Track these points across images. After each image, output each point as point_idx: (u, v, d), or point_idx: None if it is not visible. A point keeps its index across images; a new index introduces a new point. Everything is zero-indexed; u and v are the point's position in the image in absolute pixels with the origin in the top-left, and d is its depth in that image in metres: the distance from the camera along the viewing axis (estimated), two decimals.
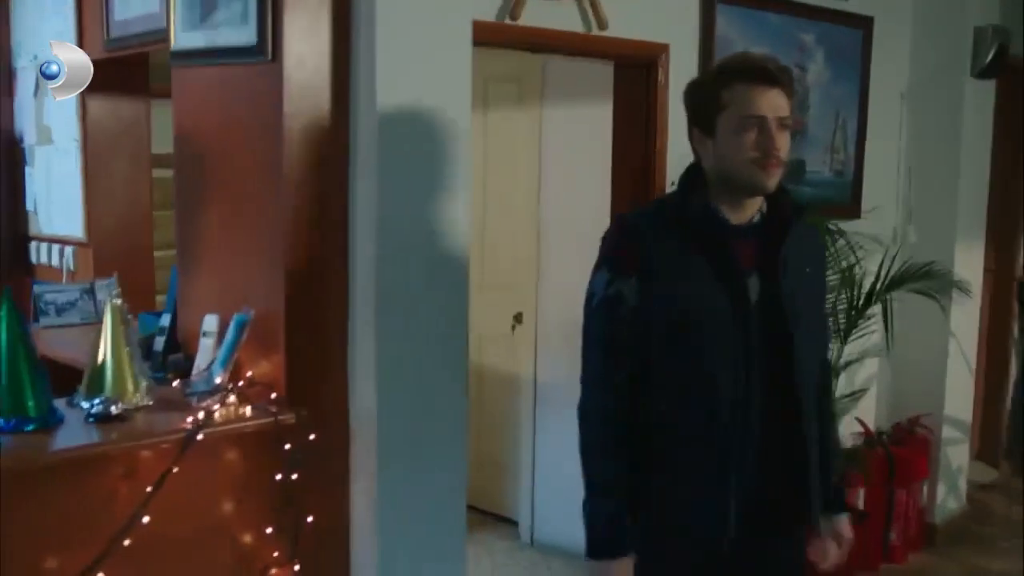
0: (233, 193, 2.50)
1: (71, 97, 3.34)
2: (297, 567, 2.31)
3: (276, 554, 2.32)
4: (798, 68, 3.79)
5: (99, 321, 2.97)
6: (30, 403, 2.12)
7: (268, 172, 2.37)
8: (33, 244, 3.70)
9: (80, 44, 3.27)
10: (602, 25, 3.07)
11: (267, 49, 2.30)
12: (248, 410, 2.29)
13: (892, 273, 3.66)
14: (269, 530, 2.30)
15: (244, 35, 2.34)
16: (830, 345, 2.08)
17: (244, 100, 2.44)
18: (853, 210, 4.11)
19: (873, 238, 3.98)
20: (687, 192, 1.85)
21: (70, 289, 3.25)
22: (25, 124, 3.66)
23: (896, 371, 4.44)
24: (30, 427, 2.11)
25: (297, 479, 2.30)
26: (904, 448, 4.22)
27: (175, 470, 2.12)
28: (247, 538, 2.29)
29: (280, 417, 2.27)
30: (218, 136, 2.54)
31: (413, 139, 2.41)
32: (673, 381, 1.80)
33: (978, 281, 4.42)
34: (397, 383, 2.43)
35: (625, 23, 3.16)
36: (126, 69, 3.34)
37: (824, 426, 1.98)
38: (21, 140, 3.69)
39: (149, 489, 2.09)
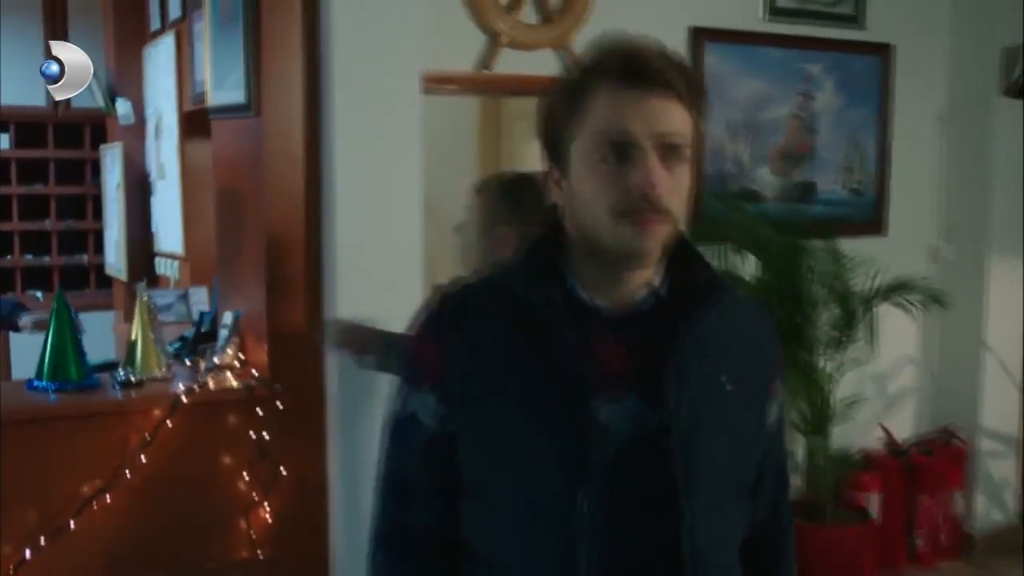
0: (240, 215, 3.21)
1: (175, 139, 4.20)
2: (268, 509, 2.97)
3: (256, 497, 2.98)
4: (803, 96, 4.09)
5: (189, 321, 3.81)
6: (72, 370, 2.89)
7: (257, 199, 3.06)
8: (157, 259, 4.60)
9: (180, 99, 4.12)
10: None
11: (253, 106, 2.99)
12: (234, 383, 2.98)
13: (876, 287, 3.88)
14: (247, 477, 2.96)
15: (240, 96, 3.04)
16: (786, 491, 1.39)
17: (245, 143, 3.14)
18: (874, 227, 4.33)
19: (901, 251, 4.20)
20: (535, 263, 1.22)
21: (169, 294, 4.08)
22: (151, 163, 4.58)
23: (934, 383, 4.58)
24: (71, 388, 2.88)
25: (270, 439, 2.95)
26: (932, 458, 4.36)
27: (168, 424, 2.83)
28: (231, 484, 2.96)
29: (256, 389, 2.94)
30: (234, 172, 3.26)
31: (369, 167, 3.00)
32: (483, 568, 1.22)
33: (1018, 295, 4.48)
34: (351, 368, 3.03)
35: None
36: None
37: None
38: (149, 175, 4.61)
39: (147, 435, 2.81)
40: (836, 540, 3.98)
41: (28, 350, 3.36)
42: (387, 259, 3.01)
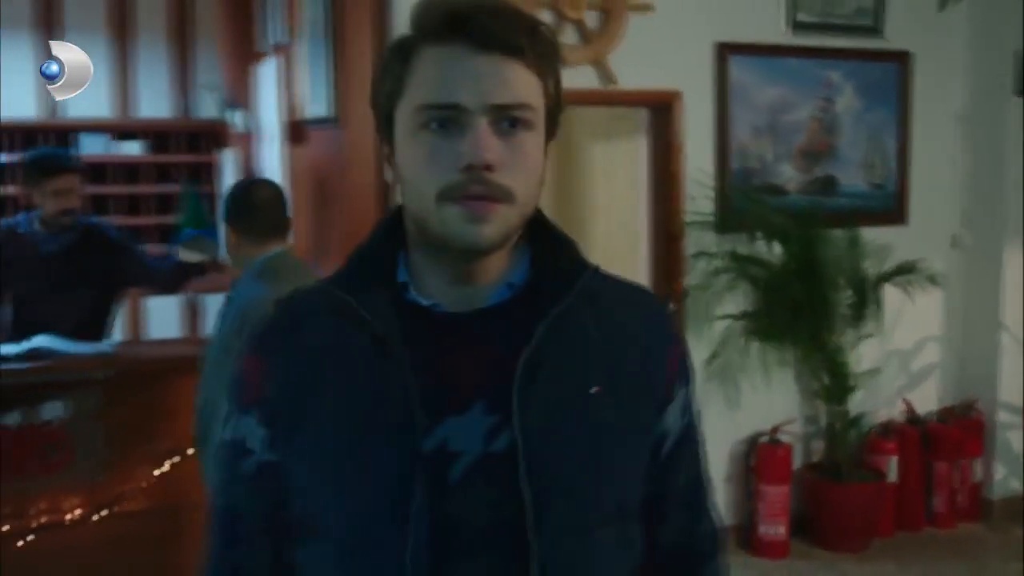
0: (328, 211, 3.91)
1: (279, 146, 4.94)
2: None
3: None
4: (824, 100, 4.58)
5: None
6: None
7: (341, 198, 3.75)
8: None
9: (282, 111, 4.87)
10: (612, 80, 4.14)
11: (336, 119, 3.68)
12: None
13: (883, 271, 4.35)
14: None
15: (326, 110, 3.74)
16: (703, 511, 1.19)
17: (331, 150, 3.84)
18: (896, 217, 4.78)
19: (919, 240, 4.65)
20: (363, 259, 1.08)
21: None
22: (259, 165, 5.36)
23: (957, 359, 4.99)
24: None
25: None
26: (949, 427, 4.78)
27: None
28: None
29: None
30: (323, 174, 3.96)
31: None
32: None
33: None
34: None
35: (644, 73, 4.19)
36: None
37: None
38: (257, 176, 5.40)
39: None
40: (852, 496, 4.47)
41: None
42: None
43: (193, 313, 6.44)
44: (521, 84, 0.99)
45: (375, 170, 3.64)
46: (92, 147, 6.55)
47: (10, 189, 6.28)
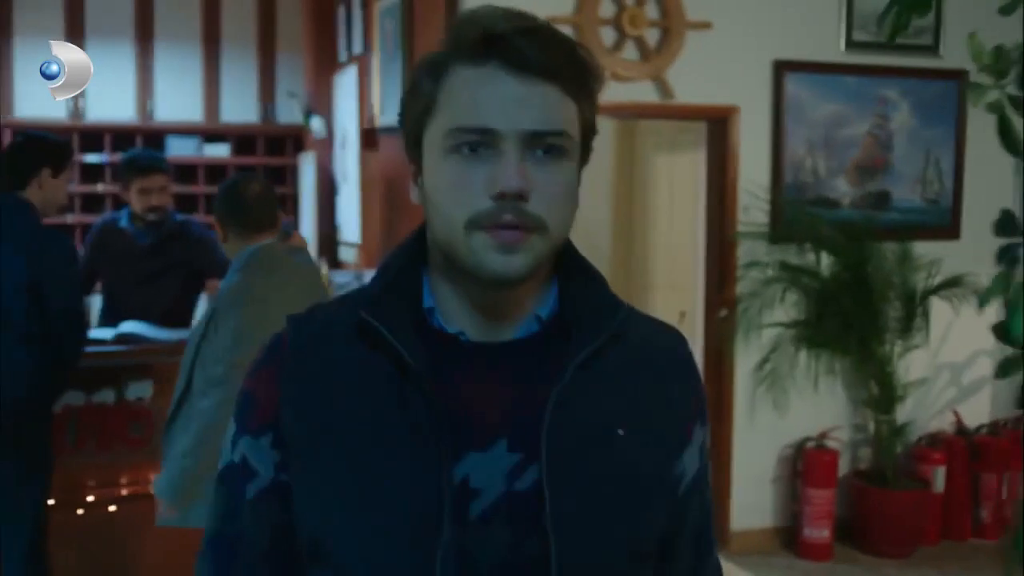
0: (399, 213, 4.17)
1: (355, 150, 5.23)
2: None
3: None
4: (879, 117, 4.69)
5: None
6: None
7: (410, 201, 4.00)
8: (340, 247, 5.67)
9: (359, 118, 5.16)
10: (669, 95, 4.32)
11: None
12: None
13: (931, 284, 4.46)
14: None
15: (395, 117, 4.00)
16: (709, 556, 1.16)
17: (403, 156, 4.09)
18: (950, 232, 4.86)
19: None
20: (387, 277, 1.03)
21: (347, 274, 5.10)
22: (337, 169, 5.66)
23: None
24: None
25: None
26: (1000, 440, 4.84)
27: None
28: None
29: None
30: (395, 179, 4.23)
31: None
32: None
33: None
34: None
35: (703, 88, 4.37)
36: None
37: None
38: (335, 179, 5.69)
39: None
40: (897, 503, 4.57)
41: None
42: None
43: None
44: (557, 110, 0.95)
45: None
46: (182, 149, 6.95)
47: (106, 187, 6.70)
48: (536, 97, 0.94)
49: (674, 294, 5.40)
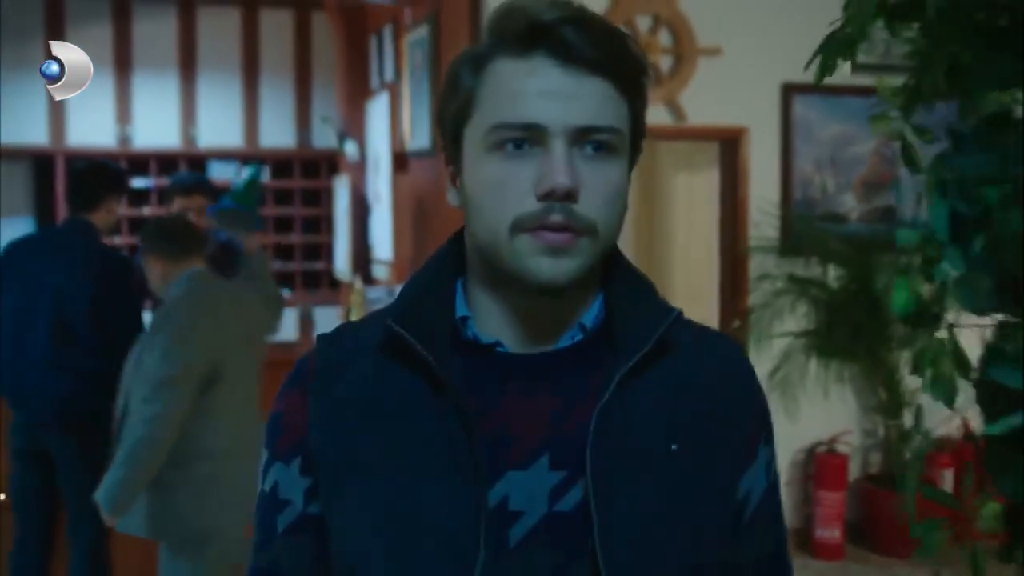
0: (429, 232, 4.45)
1: (387, 173, 5.52)
2: None
3: None
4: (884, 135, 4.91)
5: None
6: None
7: (438, 221, 4.28)
8: (373, 264, 5.97)
9: (391, 142, 5.45)
10: (683, 117, 4.58)
11: (434, 150, 4.22)
12: None
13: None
14: None
15: (426, 142, 4.28)
16: None
17: (431, 178, 4.38)
18: None
19: None
20: (420, 286, 0.98)
21: (379, 290, 5.39)
22: (370, 191, 5.96)
23: None
24: None
25: None
26: None
27: None
28: None
29: None
30: (424, 200, 4.51)
31: None
32: None
33: None
34: None
35: (714, 111, 4.62)
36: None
37: None
38: (368, 200, 6.00)
39: None
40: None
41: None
42: None
43: (306, 321, 7.04)
44: (607, 105, 0.89)
45: None
46: (222, 172, 7.29)
47: (152, 210, 7.05)
48: (585, 90, 0.88)
49: (691, 305, 5.61)
